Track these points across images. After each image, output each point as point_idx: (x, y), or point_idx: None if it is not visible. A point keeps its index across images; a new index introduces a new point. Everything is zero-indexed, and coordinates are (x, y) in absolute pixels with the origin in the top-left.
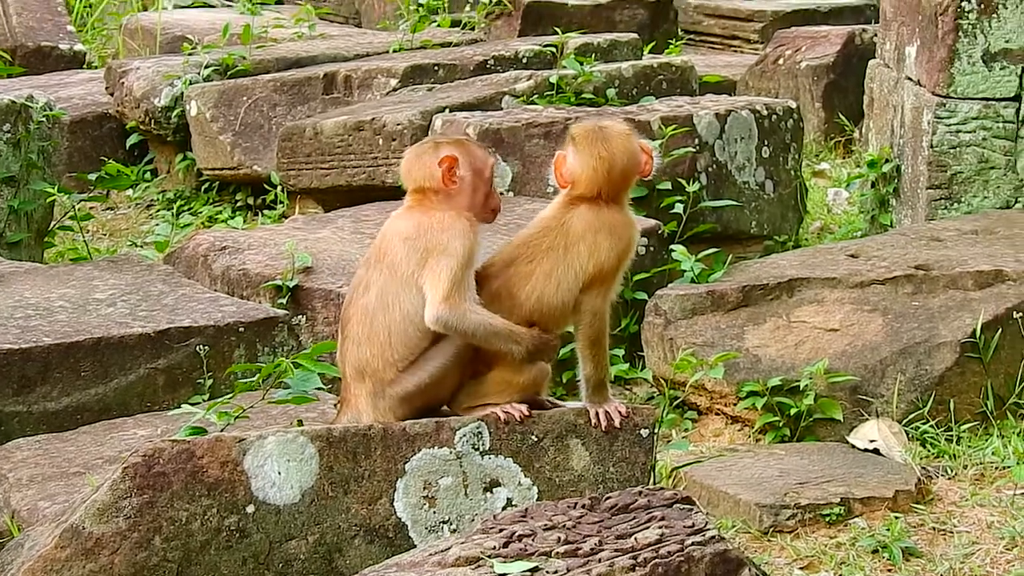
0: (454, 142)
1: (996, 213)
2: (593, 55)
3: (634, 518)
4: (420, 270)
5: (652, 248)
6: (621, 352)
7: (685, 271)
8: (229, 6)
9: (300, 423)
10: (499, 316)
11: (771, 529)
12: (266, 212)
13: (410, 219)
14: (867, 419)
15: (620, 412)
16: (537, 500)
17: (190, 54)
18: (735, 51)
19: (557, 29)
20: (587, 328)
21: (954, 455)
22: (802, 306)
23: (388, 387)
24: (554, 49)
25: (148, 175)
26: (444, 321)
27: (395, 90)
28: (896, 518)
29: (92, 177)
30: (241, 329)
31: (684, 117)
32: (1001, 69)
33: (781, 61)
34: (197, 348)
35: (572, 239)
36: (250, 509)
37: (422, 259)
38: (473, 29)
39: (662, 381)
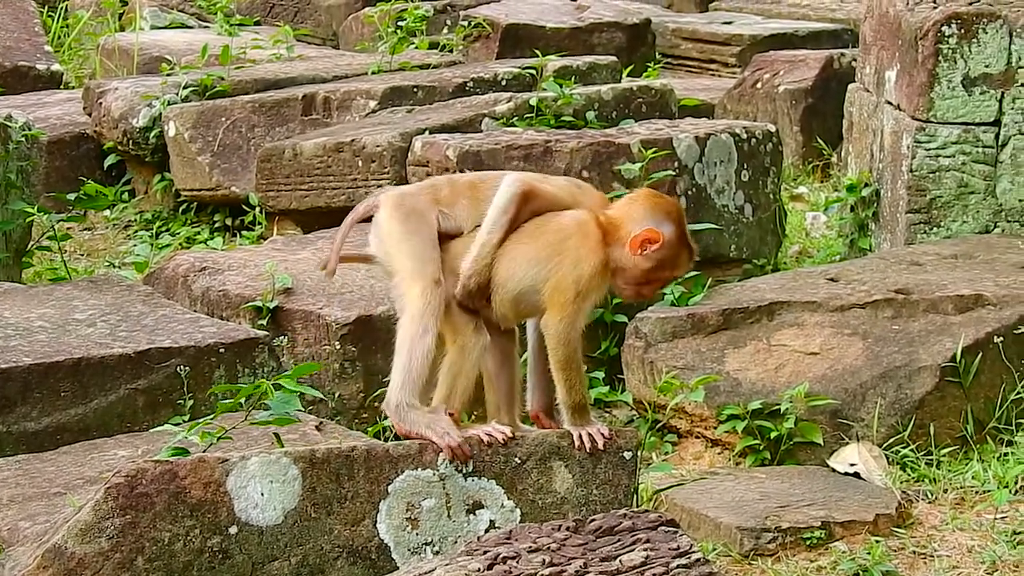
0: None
1: (975, 238)
2: (572, 78)
3: (619, 540)
4: None
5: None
6: (601, 375)
7: (665, 294)
8: (206, 27)
9: (279, 441)
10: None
11: (752, 552)
12: (244, 233)
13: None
14: (847, 443)
15: (603, 434)
16: (520, 522)
17: (168, 75)
18: (713, 75)
19: (537, 52)
20: (552, 352)
21: (934, 479)
22: (782, 329)
23: None
24: (533, 71)
25: (125, 195)
26: None
27: (374, 112)
28: (877, 542)
29: (71, 197)
30: (221, 350)
31: (664, 140)
32: (981, 94)
33: (759, 85)
34: (177, 369)
35: (549, 229)
36: (233, 530)
37: None
38: (451, 51)
39: (642, 404)
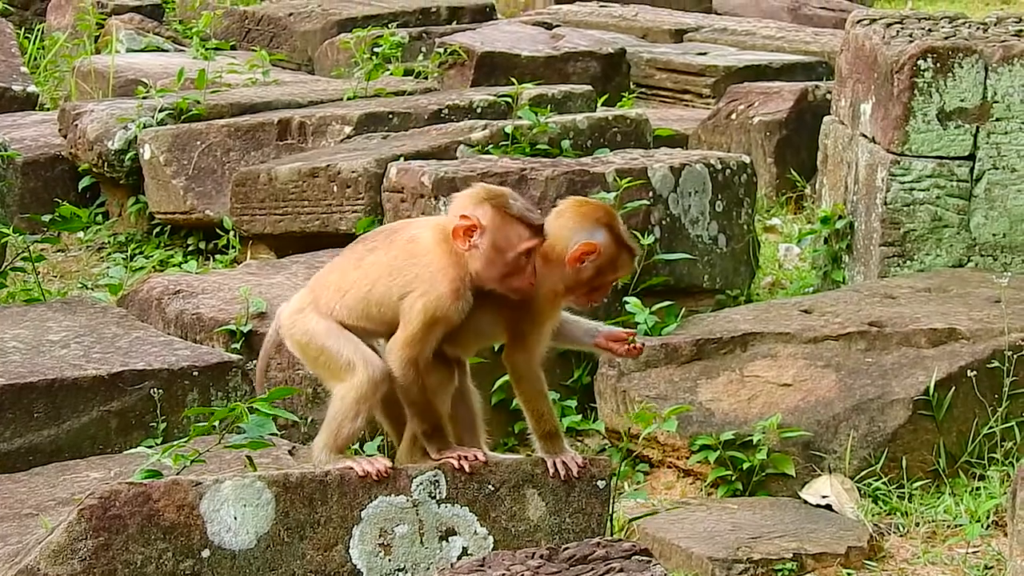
0: (498, 207)
1: (949, 271)
2: (548, 106)
3: (592, 569)
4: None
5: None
6: (574, 403)
7: (639, 323)
8: (182, 51)
9: (252, 464)
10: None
11: None
12: (218, 257)
13: (430, 234)
14: (819, 475)
15: (577, 463)
16: (492, 550)
17: (144, 98)
18: (687, 105)
19: (512, 80)
20: (514, 384)
21: (906, 512)
22: (755, 360)
23: None
24: (509, 99)
25: (100, 218)
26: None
27: (349, 137)
28: (848, 574)
29: (45, 218)
30: (195, 373)
31: (639, 170)
32: (956, 128)
33: (734, 116)
34: (151, 391)
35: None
36: (205, 554)
37: (403, 286)
38: (427, 78)
39: (615, 433)
